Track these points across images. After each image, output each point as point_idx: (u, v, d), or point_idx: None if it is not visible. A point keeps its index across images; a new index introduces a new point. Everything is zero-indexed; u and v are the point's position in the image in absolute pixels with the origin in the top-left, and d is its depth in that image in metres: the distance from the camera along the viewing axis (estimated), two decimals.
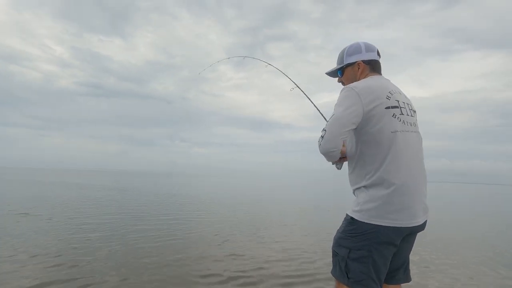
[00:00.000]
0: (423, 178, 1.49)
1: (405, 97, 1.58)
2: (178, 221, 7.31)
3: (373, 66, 1.62)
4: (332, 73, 1.75)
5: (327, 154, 1.48)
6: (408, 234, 1.47)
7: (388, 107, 1.45)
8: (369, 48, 1.63)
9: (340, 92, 1.50)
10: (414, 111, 1.59)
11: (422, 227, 1.49)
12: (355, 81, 1.60)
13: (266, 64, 2.71)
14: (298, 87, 2.31)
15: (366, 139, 1.46)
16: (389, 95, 1.48)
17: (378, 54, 1.65)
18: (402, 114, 1.48)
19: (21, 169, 78.88)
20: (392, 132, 1.43)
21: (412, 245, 1.58)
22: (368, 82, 1.51)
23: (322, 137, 1.46)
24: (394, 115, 1.45)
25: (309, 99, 2.22)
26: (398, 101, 1.49)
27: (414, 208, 1.41)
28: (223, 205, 11.20)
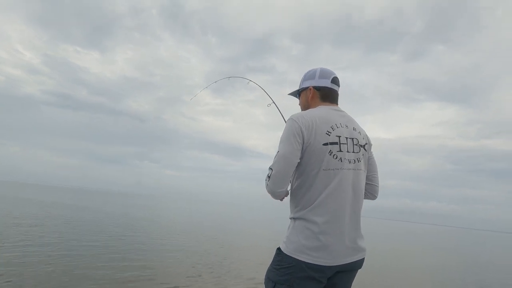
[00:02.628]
0: (355, 217, 1.44)
1: (353, 131, 1.50)
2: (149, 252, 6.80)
3: (324, 94, 1.56)
4: (294, 94, 1.74)
5: (274, 194, 1.43)
6: (342, 272, 1.41)
7: (326, 144, 1.40)
8: (323, 74, 1.57)
9: (286, 122, 1.47)
10: (362, 146, 1.51)
11: (353, 265, 1.43)
12: (307, 105, 1.59)
13: (248, 81, 2.76)
14: (274, 103, 2.28)
15: (301, 172, 1.43)
16: (330, 130, 1.43)
17: (335, 82, 1.58)
18: (341, 151, 1.42)
19: None
20: (324, 169, 1.39)
21: (350, 283, 1.50)
22: (314, 113, 1.46)
23: (268, 176, 1.40)
24: (330, 152, 1.40)
25: (282, 116, 2.20)
26: (339, 137, 1.43)
27: (338, 248, 1.36)
28: (184, 230, 10.73)
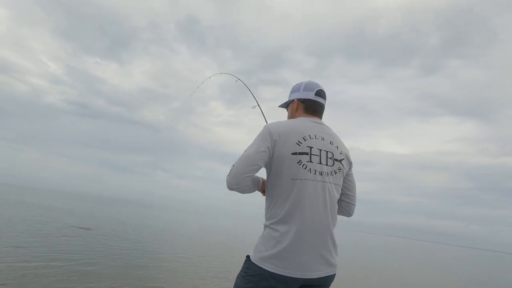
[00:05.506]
0: (325, 230, 1.41)
1: (329, 144, 1.51)
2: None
3: (307, 106, 1.59)
4: (283, 106, 1.76)
5: (231, 189, 1.46)
6: (308, 286, 1.38)
7: (295, 153, 1.42)
8: (307, 87, 1.60)
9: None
10: (337, 160, 1.51)
11: (321, 281, 1.40)
12: (292, 117, 1.64)
13: (236, 79, 2.68)
14: (259, 106, 2.26)
15: (271, 180, 1.47)
16: (302, 140, 1.45)
17: (320, 95, 1.60)
18: (311, 162, 1.43)
19: None
20: (293, 179, 1.41)
21: None
22: (289, 123, 1.52)
23: (230, 171, 1.44)
24: (299, 162, 1.42)
25: (265, 119, 2.15)
26: (310, 148, 1.44)
27: (304, 260, 1.35)
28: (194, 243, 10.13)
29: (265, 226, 1.46)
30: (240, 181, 1.41)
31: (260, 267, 1.35)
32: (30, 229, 9.13)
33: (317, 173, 1.43)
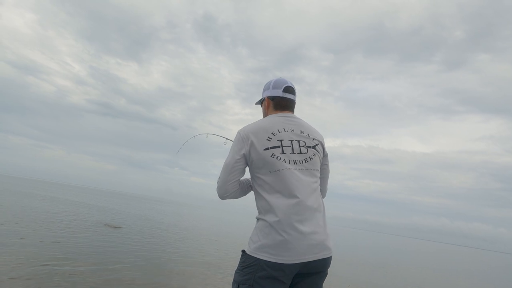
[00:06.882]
0: (312, 213, 1.45)
1: (300, 134, 1.58)
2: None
3: (277, 102, 1.67)
4: (259, 104, 1.83)
5: (223, 198, 1.59)
6: (305, 274, 1.42)
7: (266, 149, 1.49)
8: (276, 84, 1.68)
9: None
10: (310, 147, 1.57)
11: (316, 265, 1.41)
12: (265, 114, 1.74)
13: (225, 140, 2.64)
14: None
15: (253, 177, 1.55)
16: (271, 136, 1.52)
17: (288, 91, 1.66)
18: (284, 153, 1.49)
19: (10, 178, 76.97)
20: (270, 172, 1.47)
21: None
22: (258, 123, 1.59)
23: (217, 183, 1.57)
24: (273, 155, 1.48)
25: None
26: (281, 140, 1.51)
27: (297, 245, 1.37)
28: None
29: (257, 219, 1.52)
30: (227, 189, 1.55)
31: (256, 258, 1.38)
32: (68, 225, 9.55)
33: (291, 162, 1.49)
